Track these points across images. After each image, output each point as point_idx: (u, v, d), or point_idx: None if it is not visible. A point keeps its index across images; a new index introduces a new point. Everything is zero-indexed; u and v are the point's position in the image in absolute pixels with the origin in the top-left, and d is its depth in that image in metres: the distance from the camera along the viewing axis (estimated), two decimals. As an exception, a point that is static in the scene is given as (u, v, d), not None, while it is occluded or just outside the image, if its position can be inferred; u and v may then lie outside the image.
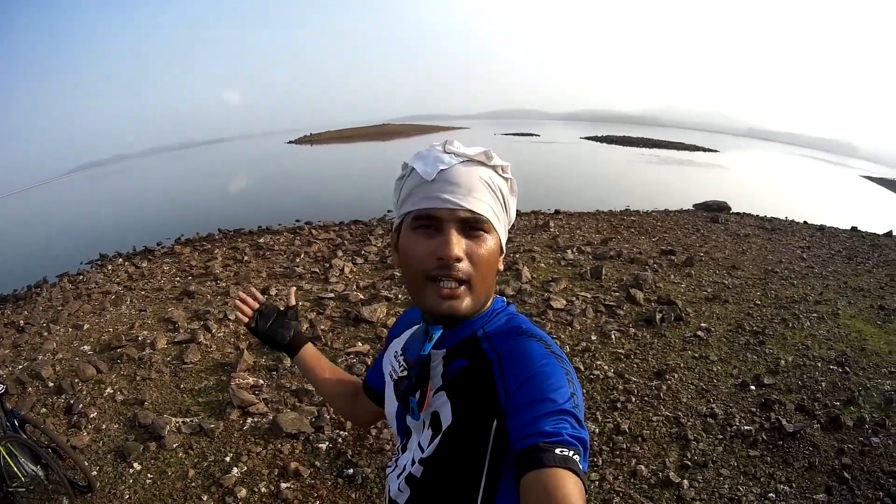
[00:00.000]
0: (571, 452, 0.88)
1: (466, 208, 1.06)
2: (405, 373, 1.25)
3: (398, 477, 1.25)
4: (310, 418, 5.17)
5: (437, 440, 1.13)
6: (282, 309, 1.69)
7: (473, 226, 1.09)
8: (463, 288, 1.08)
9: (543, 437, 0.90)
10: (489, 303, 1.21)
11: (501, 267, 1.20)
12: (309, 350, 1.69)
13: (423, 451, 1.17)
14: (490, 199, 1.11)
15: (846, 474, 4.22)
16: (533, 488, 0.86)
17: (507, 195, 1.16)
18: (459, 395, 1.12)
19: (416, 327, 1.31)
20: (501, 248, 1.18)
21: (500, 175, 1.14)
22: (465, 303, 1.09)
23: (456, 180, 1.08)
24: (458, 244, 1.06)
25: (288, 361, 6.46)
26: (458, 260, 1.06)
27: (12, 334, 8.63)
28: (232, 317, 8.05)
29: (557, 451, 0.88)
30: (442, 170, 1.08)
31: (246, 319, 1.64)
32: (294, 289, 1.74)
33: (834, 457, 4.44)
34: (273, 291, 9.22)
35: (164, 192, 43.67)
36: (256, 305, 1.66)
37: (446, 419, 1.12)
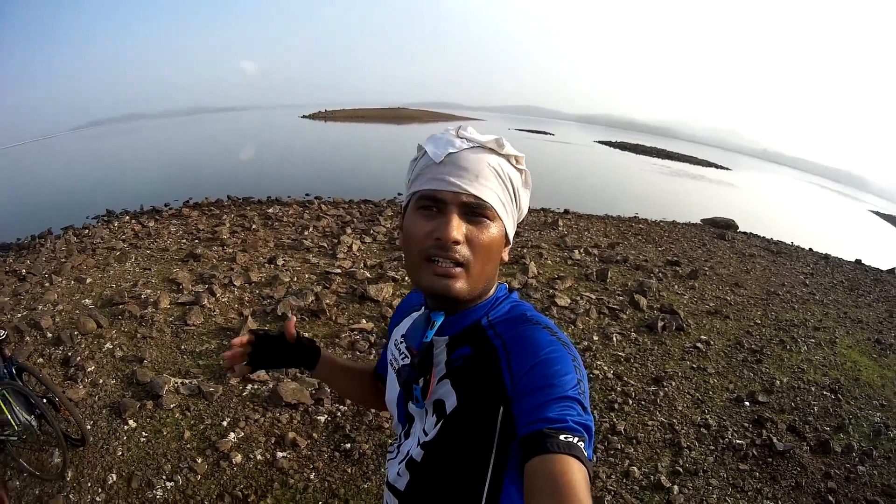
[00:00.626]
0: (576, 439, 0.89)
1: (470, 192, 1.07)
2: (407, 360, 1.25)
3: (399, 462, 1.25)
4: (310, 390, 5.16)
5: (439, 425, 1.12)
6: (275, 335, 1.46)
7: (476, 211, 1.08)
8: (459, 269, 1.08)
9: (548, 423, 0.90)
10: (491, 291, 1.22)
11: (506, 257, 1.20)
12: (325, 363, 1.55)
13: (426, 434, 1.16)
14: (497, 186, 1.10)
15: (831, 498, 4.30)
16: (536, 474, 0.86)
17: (517, 186, 1.16)
18: (464, 382, 1.11)
19: (417, 314, 1.30)
20: (507, 238, 1.17)
21: (512, 165, 1.15)
22: (460, 284, 1.08)
23: (464, 164, 1.08)
24: (458, 227, 1.06)
25: None
26: (457, 242, 1.06)
27: (13, 282, 8.58)
28: (237, 282, 8.09)
29: (562, 437, 0.88)
30: (451, 153, 1.09)
31: (238, 369, 1.42)
32: (293, 319, 1.51)
33: (820, 479, 4.52)
34: (280, 261, 9.28)
35: (173, 155, 43.39)
36: (244, 348, 1.41)
37: (451, 405, 1.11)
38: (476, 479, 1.06)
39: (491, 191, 1.09)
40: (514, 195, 1.15)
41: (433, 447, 1.14)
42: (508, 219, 1.15)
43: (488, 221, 1.09)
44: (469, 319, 1.18)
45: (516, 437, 0.96)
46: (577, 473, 0.84)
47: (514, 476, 1.02)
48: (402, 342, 1.32)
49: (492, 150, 1.12)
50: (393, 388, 1.34)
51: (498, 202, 1.10)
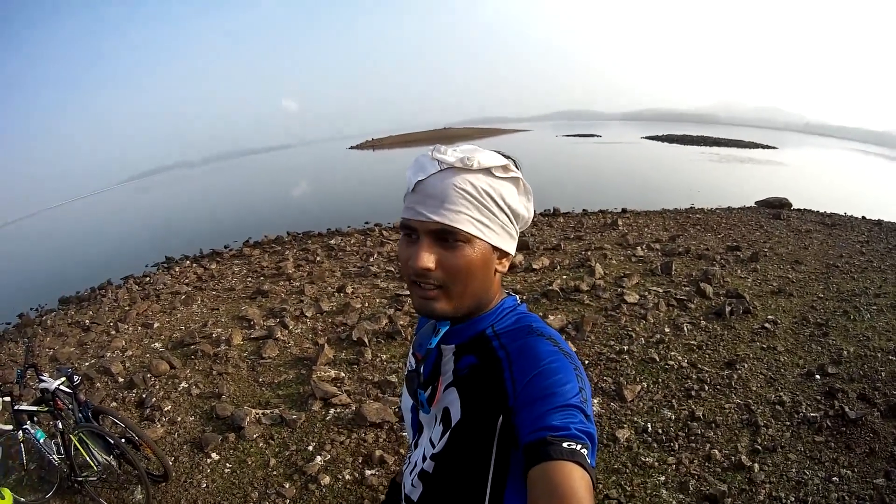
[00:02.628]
0: (579, 446, 0.90)
1: (435, 220, 1.08)
2: (414, 368, 1.31)
3: (411, 473, 1.30)
4: (394, 408, 5.18)
5: (446, 436, 1.16)
6: None
7: (446, 236, 1.10)
8: (437, 291, 1.12)
9: (551, 431, 0.92)
10: (494, 301, 1.24)
11: (504, 269, 1.21)
12: None
13: (434, 446, 1.21)
14: (468, 206, 1.09)
15: (904, 461, 4.21)
16: (539, 481, 0.87)
17: (501, 196, 1.13)
18: (469, 391, 1.15)
19: (428, 324, 1.35)
20: (500, 250, 1.18)
21: (496, 177, 1.12)
22: (440, 305, 1.13)
23: (430, 192, 1.10)
24: (428, 256, 1.09)
25: (369, 354, 6.51)
26: (428, 269, 1.09)
27: (77, 333, 8.77)
28: (309, 313, 8.22)
29: (565, 444, 0.90)
30: (420, 180, 1.11)
31: None
32: None
33: (893, 443, 4.61)
34: (349, 289, 9.41)
35: (226, 198, 44.87)
36: None
37: (456, 415, 1.15)
38: (481, 490, 1.11)
39: (458, 213, 1.08)
40: (498, 207, 1.13)
41: (443, 458, 1.18)
42: (494, 233, 1.14)
43: (461, 244, 1.10)
44: (474, 329, 1.22)
45: (518, 446, 0.98)
46: (579, 480, 0.86)
47: (517, 484, 1.06)
48: (413, 351, 1.38)
49: (461, 169, 1.10)
50: (407, 396, 1.40)
51: (468, 223, 1.09)
